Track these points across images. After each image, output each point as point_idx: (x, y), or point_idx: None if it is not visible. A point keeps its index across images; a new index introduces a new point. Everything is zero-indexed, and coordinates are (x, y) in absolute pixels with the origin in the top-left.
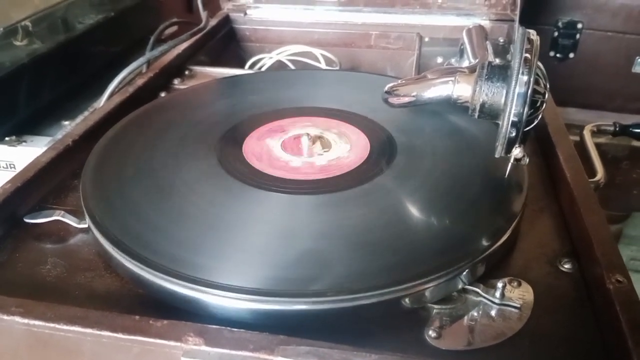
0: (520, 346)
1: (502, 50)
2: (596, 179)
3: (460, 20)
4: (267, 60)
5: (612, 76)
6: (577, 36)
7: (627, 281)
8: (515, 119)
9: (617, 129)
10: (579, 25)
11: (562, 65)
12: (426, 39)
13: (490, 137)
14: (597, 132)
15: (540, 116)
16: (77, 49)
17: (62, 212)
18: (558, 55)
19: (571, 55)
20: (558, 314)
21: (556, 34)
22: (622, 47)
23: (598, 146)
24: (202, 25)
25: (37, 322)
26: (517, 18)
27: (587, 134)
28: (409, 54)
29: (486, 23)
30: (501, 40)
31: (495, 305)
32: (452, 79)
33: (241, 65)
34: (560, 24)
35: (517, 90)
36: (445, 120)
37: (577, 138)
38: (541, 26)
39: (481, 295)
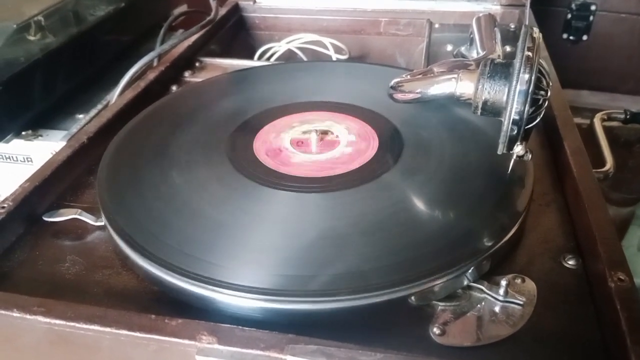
0: (522, 343)
1: (512, 37)
2: (605, 168)
3: (470, 6)
4: (276, 49)
5: (626, 58)
6: (591, 18)
7: (629, 279)
8: (517, 117)
9: (628, 116)
10: (593, 7)
11: (575, 48)
12: (436, 25)
13: (497, 132)
14: (608, 119)
15: (542, 114)
16: (89, 41)
17: (79, 210)
18: (571, 37)
19: (584, 37)
20: (560, 311)
21: (569, 15)
22: (636, 29)
23: (610, 130)
24: (212, 16)
25: (58, 321)
26: (528, 3)
27: (597, 122)
28: (419, 41)
29: (497, 9)
30: (512, 26)
31: (499, 302)
32: (455, 76)
33: (251, 54)
34: (573, 6)
35: (518, 89)
36: (452, 113)
37: (588, 121)
38: (554, 8)
39: (485, 292)
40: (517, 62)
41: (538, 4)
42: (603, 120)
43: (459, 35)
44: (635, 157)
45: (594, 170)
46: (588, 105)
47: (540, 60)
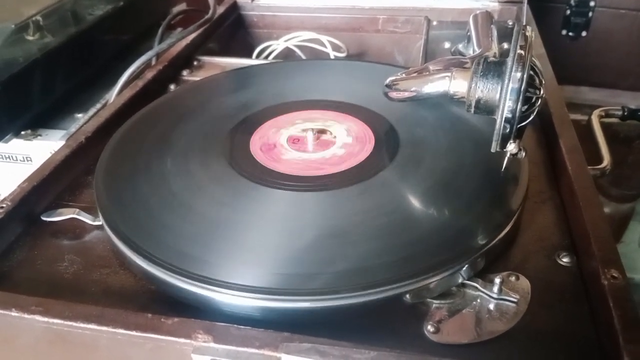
0: (517, 340)
1: (510, 33)
2: (602, 166)
3: (468, 3)
4: (274, 47)
5: (625, 54)
6: (590, 14)
7: (622, 277)
8: (509, 115)
9: (626, 113)
10: (592, 3)
11: (575, 44)
12: (434, 23)
13: (492, 130)
14: (605, 116)
15: (535, 112)
16: (88, 40)
17: (77, 209)
18: (570, 33)
19: (584, 33)
20: (555, 309)
21: (568, 12)
22: (635, 25)
23: (610, 125)
24: (209, 15)
25: (55, 321)
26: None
27: (595, 119)
28: (417, 38)
29: (495, 5)
30: (510, 23)
31: (493, 300)
32: (449, 74)
33: (249, 52)
34: (572, 2)
35: (510, 87)
36: (448, 112)
37: (586, 117)
38: (553, 4)
39: (479, 290)
40: (509, 61)
41: (537, 0)
42: (601, 117)
43: (457, 32)
44: (635, 153)
45: (591, 167)
46: (588, 102)
47: (533, 58)
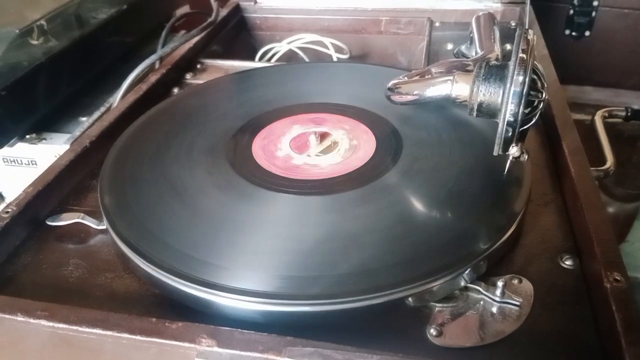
0: (519, 343)
1: (512, 35)
2: (605, 166)
3: (471, 4)
4: (277, 49)
5: (629, 54)
6: (593, 14)
7: (625, 280)
8: (511, 119)
9: (629, 114)
10: (595, 3)
11: (578, 44)
12: (437, 24)
13: (495, 133)
14: (609, 117)
15: (537, 115)
16: (91, 44)
17: (82, 214)
18: (574, 33)
19: (587, 33)
20: (557, 311)
21: (571, 11)
22: (639, 24)
23: (614, 125)
24: (212, 18)
25: (61, 325)
26: (527, 0)
27: (598, 119)
28: (420, 40)
29: (498, 6)
30: (513, 24)
31: (496, 303)
32: (451, 78)
33: (252, 54)
34: (575, 2)
35: (512, 90)
36: (451, 115)
37: (590, 117)
38: (556, 4)
39: (482, 293)
40: (511, 64)
41: (539, 0)
42: (604, 117)
43: (460, 33)
44: (639, 152)
45: (594, 168)
46: (591, 102)
47: (535, 62)
